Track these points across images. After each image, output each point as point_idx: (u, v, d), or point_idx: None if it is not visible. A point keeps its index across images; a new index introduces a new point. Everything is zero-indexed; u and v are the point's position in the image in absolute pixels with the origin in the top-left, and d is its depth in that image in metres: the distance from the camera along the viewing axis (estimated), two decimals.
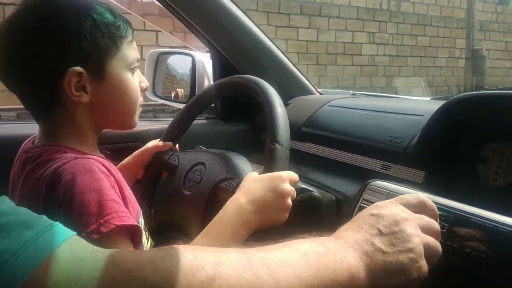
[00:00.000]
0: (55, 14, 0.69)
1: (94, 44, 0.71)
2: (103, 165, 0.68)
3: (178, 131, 1.07)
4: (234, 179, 0.83)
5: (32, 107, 0.75)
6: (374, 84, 8.53)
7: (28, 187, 0.69)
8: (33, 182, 0.68)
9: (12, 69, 0.71)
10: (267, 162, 0.79)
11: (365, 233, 0.55)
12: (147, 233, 0.83)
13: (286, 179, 0.76)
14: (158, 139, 1.07)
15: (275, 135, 0.79)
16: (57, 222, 0.43)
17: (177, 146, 1.07)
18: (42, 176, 0.66)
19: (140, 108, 0.83)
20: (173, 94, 1.52)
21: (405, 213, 0.58)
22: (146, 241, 0.80)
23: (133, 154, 1.06)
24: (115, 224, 0.61)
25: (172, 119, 1.11)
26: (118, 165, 1.04)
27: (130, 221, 0.63)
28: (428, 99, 1.32)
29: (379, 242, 0.54)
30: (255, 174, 0.79)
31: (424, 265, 0.55)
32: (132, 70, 0.78)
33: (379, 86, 8.56)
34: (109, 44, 0.73)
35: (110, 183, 0.66)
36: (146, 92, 1.44)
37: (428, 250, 0.57)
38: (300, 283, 0.47)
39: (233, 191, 0.80)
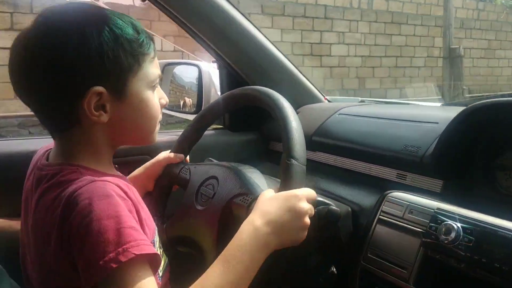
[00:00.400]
0: (76, 29, 0.65)
1: (116, 63, 0.68)
2: (120, 187, 0.65)
3: (188, 143, 1.05)
4: (248, 194, 0.81)
5: (48, 124, 0.72)
6: (346, 86, 8.16)
7: (42, 207, 0.67)
8: (48, 203, 0.65)
9: (28, 84, 0.68)
10: (282, 179, 0.76)
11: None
12: (161, 250, 0.81)
13: (303, 197, 0.73)
14: (169, 151, 1.05)
15: (290, 150, 0.76)
16: None
17: (187, 158, 1.05)
18: (57, 198, 0.64)
19: (159, 124, 0.81)
20: (181, 102, 1.50)
21: None
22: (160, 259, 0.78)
23: (144, 165, 1.03)
24: (134, 253, 0.58)
25: (182, 130, 1.09)
26: (128, 177, 1.02)
27: (149, 249, 0.61)
28: (439, 105, 1.30)
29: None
30: (270, 192, 0.76)
31: None
32: (153, 87, 0.76)
33: (351, 88, 8.19)
34: (131, 62, 0.70)
35: (127, 207, 0.63)
36: None
37: None
38: None
39: (248, 207, 0.77)
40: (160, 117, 0.79)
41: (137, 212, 0.67)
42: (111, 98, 0.69)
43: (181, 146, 1.04)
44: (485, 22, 10.35)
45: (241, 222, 0.74)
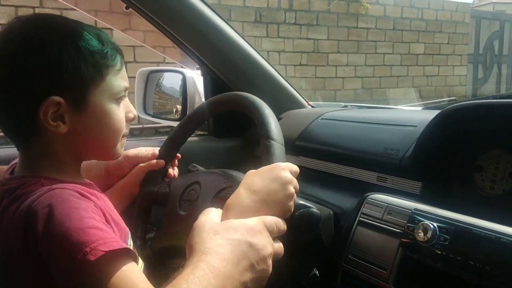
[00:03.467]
0: (38, 41, 0.67)
1: (76, 73, 0.68)
2: (79, 192, 0.64)
3: (177, 144, 1.04)
4: (233, 186, 0.80)
5: (10, 135, 0.72)
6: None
7: (6, 222, 0.65)
8: (9, 218, 0.64)
9: None
10: (264, 158, 0.76)
11: (241, 269, 0.60)
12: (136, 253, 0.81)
13: (286, 168, 0.72)
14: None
15: (268, 133, 0.78)
16: None
17: (176, 161, 1.05)
18: (17, 212, 0.62)
19: (124, 138, 0.80)
20: (174, 110, 1.50)
21: (271, 246, 0.64)
22: None
23: (129, 173, 1.01)
24: (103, 251, 0.56)
25: (165, 138, 1.09)
26: (115, 185, 1.00)
27: (118, 245, 0.59)
28: (420, 108, 1.32)
29: (249, 281, 0.60)
30: (253, 170, 0.74)
31: None
32: (118, 100, 0.75)
33: None
34: (93, 73, 0.69)
35: (90, 208, 0.62)
36: (136, 111, 1.42)
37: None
38: None
39: None
40: (125, 131, 0.78)
41: (103, 214, 0.66)
42: (70, 109, 0.68)
43: (169, 147, 1.04)
44: (307, 14, 6.59)
45: None
